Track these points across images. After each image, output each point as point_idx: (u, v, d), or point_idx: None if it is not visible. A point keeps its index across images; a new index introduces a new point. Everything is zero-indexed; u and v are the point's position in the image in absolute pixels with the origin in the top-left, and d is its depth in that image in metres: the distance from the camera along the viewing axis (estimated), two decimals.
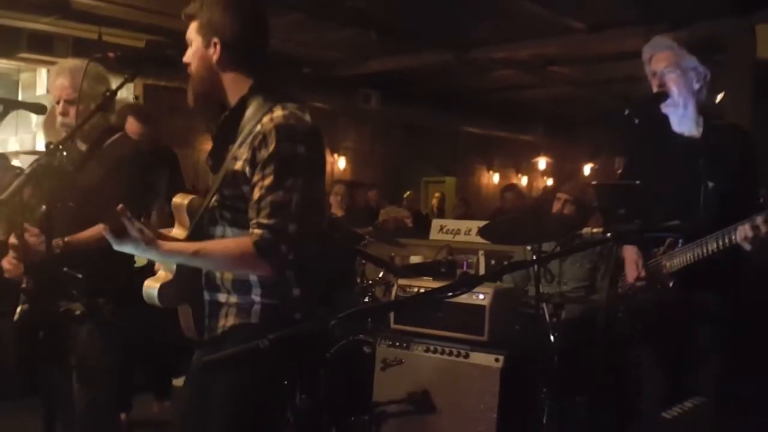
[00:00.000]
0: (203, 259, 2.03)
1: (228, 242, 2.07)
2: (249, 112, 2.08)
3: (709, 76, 2.77)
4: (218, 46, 2.07)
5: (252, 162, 2.00)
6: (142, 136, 4.23)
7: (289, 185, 1.98)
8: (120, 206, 1.87)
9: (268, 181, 1.97)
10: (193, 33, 2.12)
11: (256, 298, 2.08)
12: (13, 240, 2.71)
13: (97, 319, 2.86)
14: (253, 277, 2.07)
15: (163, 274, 2.15)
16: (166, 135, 7.98)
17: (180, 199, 2.20)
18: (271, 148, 1.97)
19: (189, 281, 2.15)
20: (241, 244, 2.00)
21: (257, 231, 1.97)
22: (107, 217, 1.88)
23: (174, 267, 2.13)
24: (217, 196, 2.09)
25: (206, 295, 2.16)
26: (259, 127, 2.01)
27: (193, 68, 2.13)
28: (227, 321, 2.11)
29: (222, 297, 2.13)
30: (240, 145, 2.04)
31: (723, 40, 6.53)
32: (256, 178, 1.99)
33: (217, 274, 2.13)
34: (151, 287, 2.14)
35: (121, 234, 1.88)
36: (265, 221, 1.97)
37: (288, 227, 1.98)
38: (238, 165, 2.03)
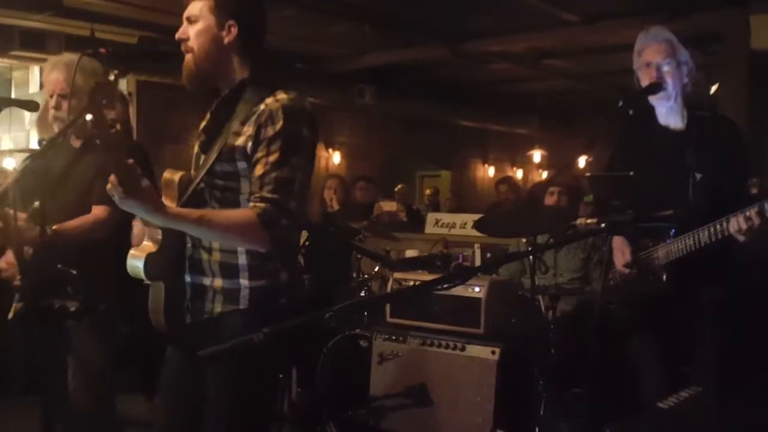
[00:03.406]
0: (206, 226, 2.02)
1: (231, 212, 2.07)
2: (247, 94, 2.12)
3: (695, 71, 2.79)
4: (234, 29, 2.11)
5: (256, 138, 2.04)
6: (119, 117, 4.10)
7: (294, 163, 2.03)
8: (131, 161, 1.85)
9: (273, 157, 2.01)
10: (202, 11, 2.12)
11: (244, 282, 2.09)
12: None
13: (92, 315, 2.84)
14: (241, 261, 2.09)
15: (148, 245, 2.11)
16: (160, 131, 8.01)
17: (170, 175, 2.18)
18: (278, 126, 2.02)
19: (172, 256, 2.13)
20: (245, 213, 2.02)
21: (260, 204, 2.00)
22: (120, 168, 1.83)
23: (159, 238, 2.10)
24: (207, 174, 2.10)
25: (188, 278, 2.15)
26: (262, 106, 2.05)
27: (196, 46, 2.13)
28: (215, 307, 2.12)
29: (207, 281, 2.13)
30: (242, 123, 2.07)
31: (718, 31, 6.52)
32: (260, 154, 2.03)
33: (205, 256, 2.12)
34: (136, 257, 2.09)
35: (131, 189, 1.85)
36: (269, 195, 2.00)
37: (290, 203, 2.03)
38: (240, 140, 2.06)
